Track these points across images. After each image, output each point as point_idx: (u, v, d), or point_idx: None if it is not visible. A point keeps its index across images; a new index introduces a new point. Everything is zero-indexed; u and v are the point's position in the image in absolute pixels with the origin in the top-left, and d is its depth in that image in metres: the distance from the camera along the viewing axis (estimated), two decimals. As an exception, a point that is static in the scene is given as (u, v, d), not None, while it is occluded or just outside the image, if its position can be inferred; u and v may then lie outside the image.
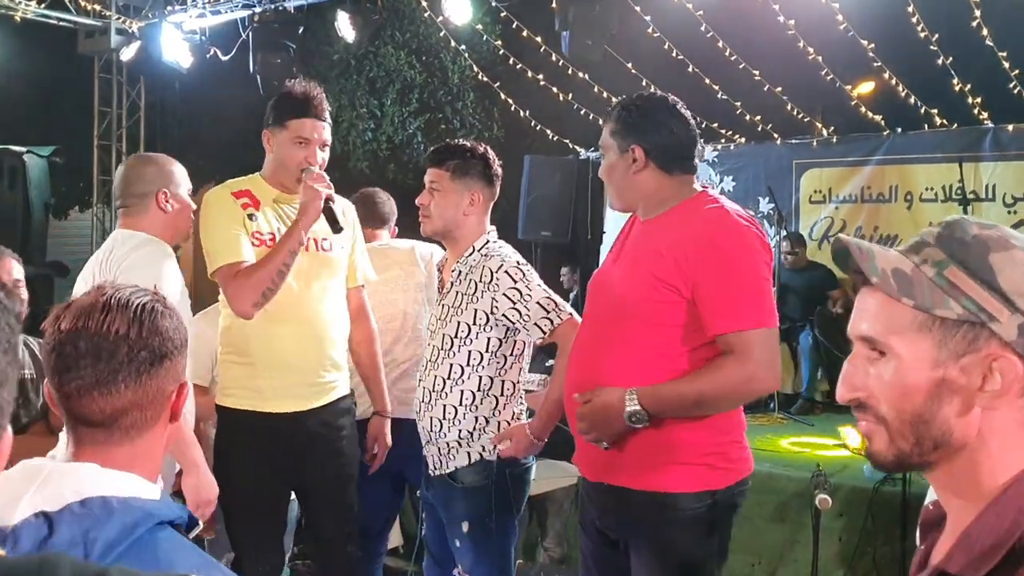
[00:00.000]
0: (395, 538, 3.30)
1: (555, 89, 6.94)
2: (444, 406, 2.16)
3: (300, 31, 7.00)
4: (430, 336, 2.25)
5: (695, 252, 1.72)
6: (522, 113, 7.44)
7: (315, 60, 9.38)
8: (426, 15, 7.38)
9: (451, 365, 2.15)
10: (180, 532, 0.93)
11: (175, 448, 2.00)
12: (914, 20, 5.31)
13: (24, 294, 2.16)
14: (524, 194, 7.06)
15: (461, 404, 2.15)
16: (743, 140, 6.84)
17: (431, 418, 2.19)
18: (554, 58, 6.54)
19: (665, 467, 1.76)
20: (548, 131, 7.50)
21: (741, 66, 6.18)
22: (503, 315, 2.11)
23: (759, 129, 6.73)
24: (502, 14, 6.68)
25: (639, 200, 1.88)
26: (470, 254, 2.19)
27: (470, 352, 2.14)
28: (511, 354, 2.18)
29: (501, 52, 7.40)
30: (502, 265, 2.13)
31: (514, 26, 6.60)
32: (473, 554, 2.14)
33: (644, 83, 6.25)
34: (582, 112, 6.85)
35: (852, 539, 3.29)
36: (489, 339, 2.14)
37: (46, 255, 8.05)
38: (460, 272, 2.19)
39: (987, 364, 0.78)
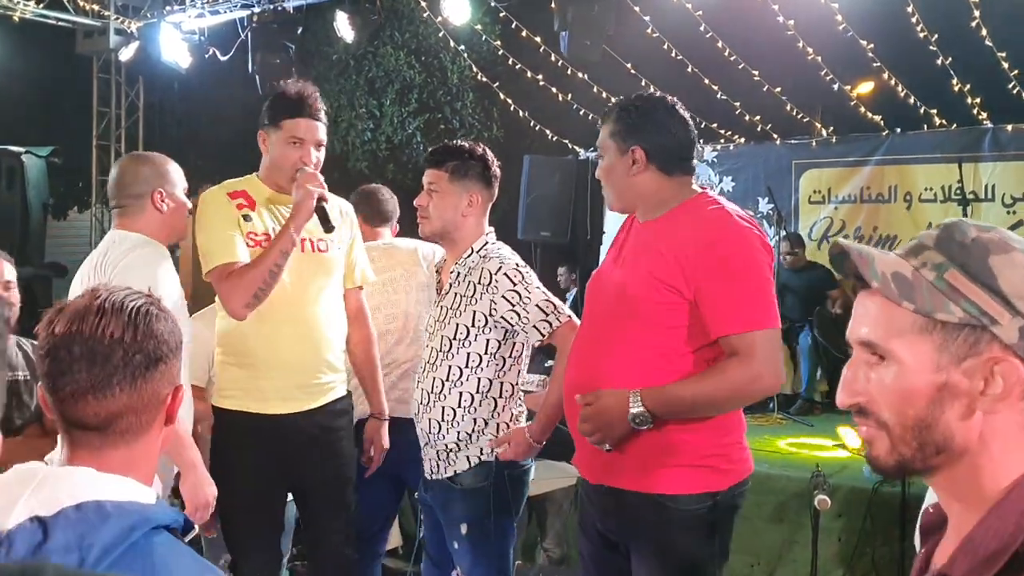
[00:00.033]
0: (394, 539, 3.29)
1: (554, 89, 6.94)
2: (443, 408, 2.16)
3: (299, 31, 7.00)
4: (428, 338, 2.24)
5: (697, 253, 1.72)
6: (521, 113, 7.44)
7: (314, 60, 9.38)
8: (425, 15, 7.37)
9: (450, 367, 2.15)
10: (176, 536, 0.92)
11: (172, 450, 1.99)
12: (914, 20, 5.31)
13: (16, 296, 2.15)
14: (523, 194, 7.06)
15: (460, 406, 2.15)
16: (742, 140, 6.84)
17: (429, 420, 2.18)
18: (553, 58, 6.54)
19: (666, 469, 1.76)
20: (547, 131, 7.50)
21: (740, 66, 6.18)
22: (502, 317, 2.11)
23: (758, 129, 6.73)
24: (501, 14, 6.69)
25: (638, 201, 1.88)
26: (469, 256, 2.19)
27: (469, 354, 2.14)
28: (510, 356, 2.17)
29: (500, 52, 7.40)
30: (501, 267, 2.12)
31: (513, 26, 6.60)
32: (472, 556, 2.14)
33: (643, 83, 6.25)
34: (581, 112, 6.85)
35: (851, 539, 3.29)
36: (488, 341, 2.13)
37: (44, 256, 8.05)
38: (459, 274, 2.19)
39: (988, 368, 0.78)
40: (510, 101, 7.49)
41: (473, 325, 2.13)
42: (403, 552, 3.55)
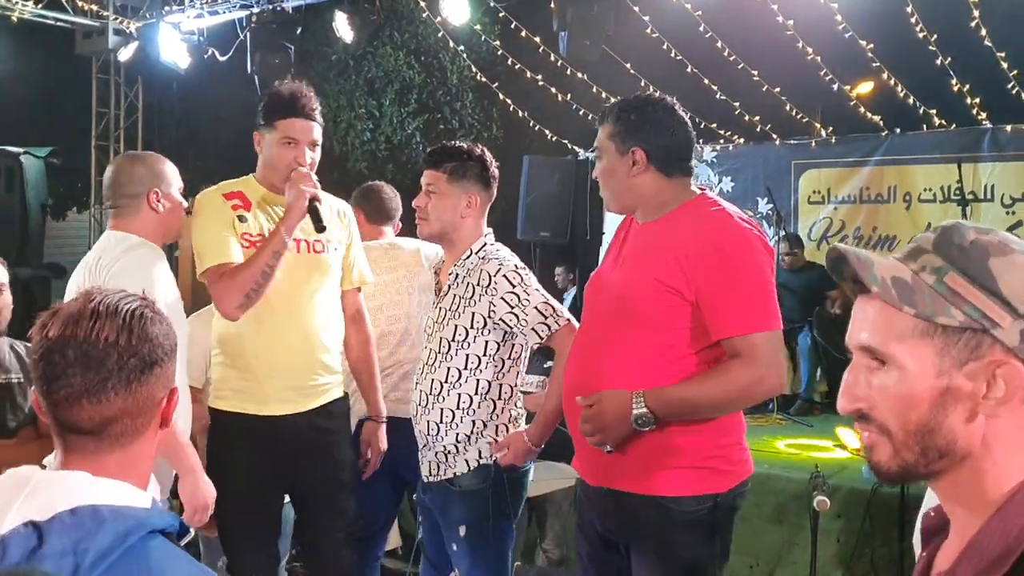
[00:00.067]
0: (394, 539, 3.29)
1: (553, 89, 6.94)
2: (441, 410, 2.15)
3: (298, 31, 7.00)
4: (427, 339, 2.24)
5: (698, 255, 1.71)
6: (521, 113, 7.44)
7: (313, 60, 9.38)
8: (424, 15, 7.37)
9: (448, 368, 2.14)
10: (172, 540, 0.92)
11: (170, 454, 1.99)
12: (913, 20, 5.31)
13: (8, 299, 2.13)
14: (523, 194, 7.06)
15: (459, 408, 2.14)
16: (742, 140, 6.84)
17: (428, 422, 2.18)
18: (552, 58, 6.54)
19: (667, 471, 1.76)
20: (547, 131, 7.50)
21: (740, 66, 6.18)
22: (500, 319, 2.10)
23: (758, 129, 6.73)
24: (500, 14, 6.68)
25: (638, 203, 1.87)
26: (467, 257, 2.18)
27: (468, 356, 2.13)
28: (509, 357, 2.17)
29: (500, 52, 7.40)
30: (500, 269, 2.12)
31: (512, 26, 6.60)
32: (470, 558, 2.13)
33: (642, 83, 6.25)
34: (581, 112, 6.85)
35: (850, 540, 3.29)
36: (487, 342, 2.13)
37: (43, 257, 8.05)
38: (457, 275, 2.18)
39: (990, 371, 0.77)
40: (509, 101, 7.49)
41: (472, 327, 2.12)
42: (402, 553, 3.55)
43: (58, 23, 7.55)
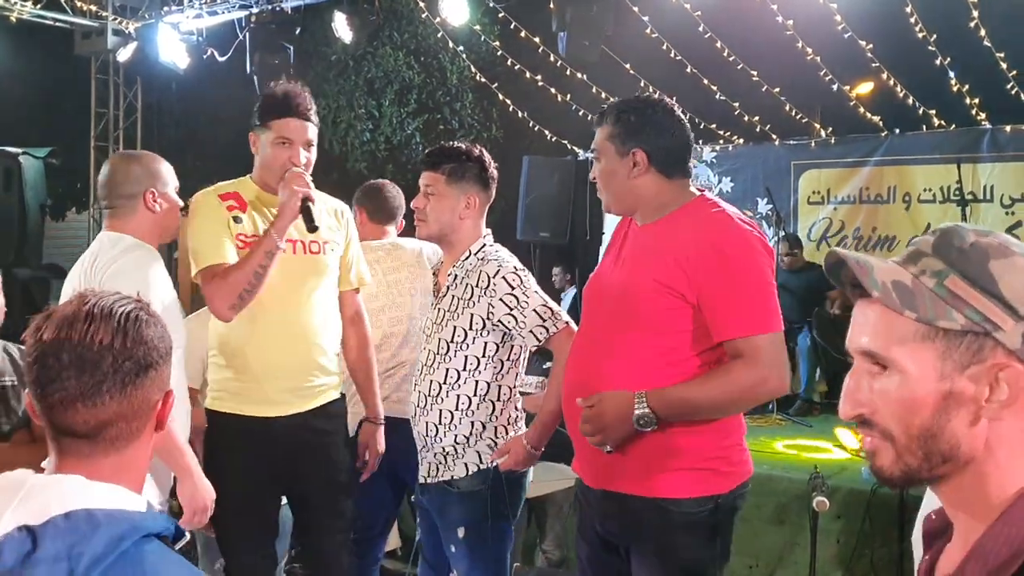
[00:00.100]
0: (393, 540, 3.28)
1: (553, 90, 6.94)
2: (440, 411, 2.15)
3: (297, 32, 6.99)
4: (425, 340, 2.23)
5: (698, 257, 1.71)
6: (520, 113, 7.44)
7: (313, 61, 9.37)
8: (424, 16, 7.37)
9: (447, 370, 2.14)
10: (167, 544, 0.91)
11: (168, 456, 1.98)
12: (912, 20, 5.30)
13: (0, 302, 2.12)
14: (522, 195, 7.06)
15: (457, 409, 2.14)
16: (741, 141, 6.84)
17: (426, 423, 2.17)
18: (552, 59, 6.54)
19: (668, 472, 1.75)
20: (546, 132, 7.50)
21: (739, 66, 6.18)
22: (499, 321, 2.10)
23: (757, 130, 6.73)
24: (500, 15, 6.68)
25: (639, 204, 1.87)
26: (466, 258, 2.18)
27: (466, 357, 2.13)
28: (508, 359, 2.16)
29: (499, 53, 7.40)
30: (499, 270, 2.11)
31: (512, 27, 6.60)
32: (468, 560, 2.13)
33: (642, 84, 6.25)
34: (580, 112, 6.84)
35: (850, 541, 3.28)
36: (486, 344, 2.12)
37: (42, 257, 8.05)
38: (456, 276, 2.18)
39: (993, 374, 0.77)
40: (509, 102, 7.49)
41: (471, 328, 2.12)
42: (402, 553, 3.54)
43: (57, 23, 7.54)
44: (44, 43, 8.54)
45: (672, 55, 6.16)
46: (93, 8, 7.44)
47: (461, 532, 2.12)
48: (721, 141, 6.84)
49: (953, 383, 0.78)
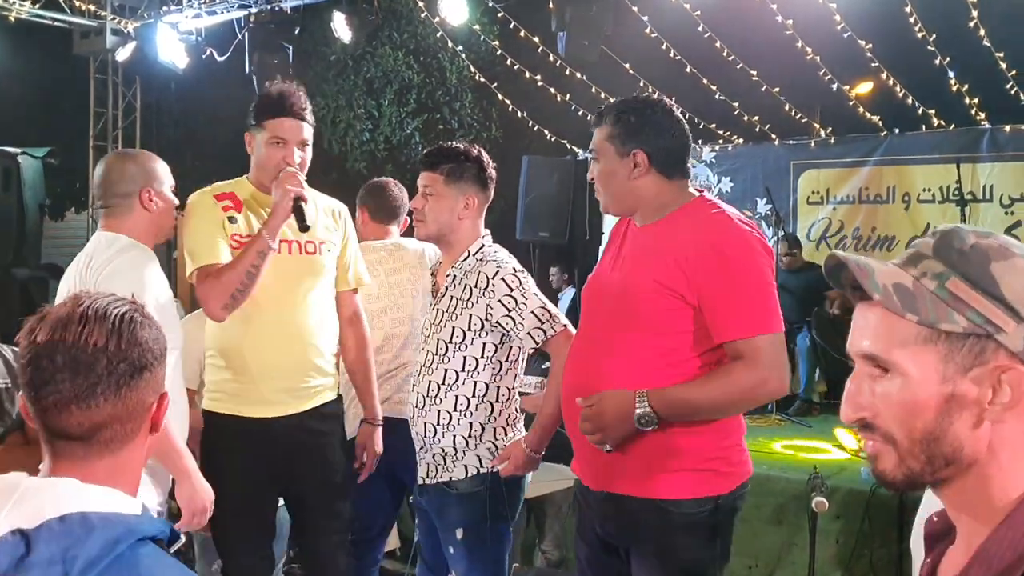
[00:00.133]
0: (392, 541, 3.28)
1: (552, 89, 6.93)
2: (439, 411, 2.14)
3: (296, 32, 6.98)
4: (424, 340, 2.23)
5: (698, 258, 1.71)
6: (520, 113, 7.43)
7: (312, 61, 9.37)
8: (423, 16, 7.37)
9: (446, 371, 2.13)
10: (162, 547, 0.91)
11: (166, 459, 1.97)
12: (912, 20, 5.30)
13: None
14: (522, 195, 7.06)
15: (456, 410, 2.13)
16: (741, 141, 6.83)
17: (425, 423, 2.17)
18: (551, 58, 6.53)
19: (668, 473, 1.75)
20: (546, 131, 7.49)
21: (739, 66, 6.18)
22: (497, 322, 2.09)
23: (757, 130, 6.73)
24: (499, 14, 6.68)
25: (638, 205, 1.86)
26: (465, 259, 2.17)
27: (465, 358, 2.12)
28: (506, 360, 2.16)
29: (498, 52, 7.40)
30: (498, 271, 2.11)
31: (511, 26, 6.59)
32: (467, 561, 2.12)
33: (641, 83, 6.24)
34: (580, 112, 6.84)
35: (849, 541, 3.28)
36: (484, 345, 2.12)
37: (41, 257, 8.04)
38: (455, 277, 2.17)
39: (996, 376, 0.77)
40: (508, 101, 7.49)
41: (469, 329, 2.11)
42: (401, 554, 3.54)
43: (56, 23, 7.53)
44: (43, 43, 8.53)
45: (671, 55, 6.15)
46: (92, 8, 7.43)
47: (460, 533, 2.12)
48: (720, 141, 6.84)
49: (955, 386, 0.77)
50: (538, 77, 6.92)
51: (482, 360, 2.12)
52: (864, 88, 7.02)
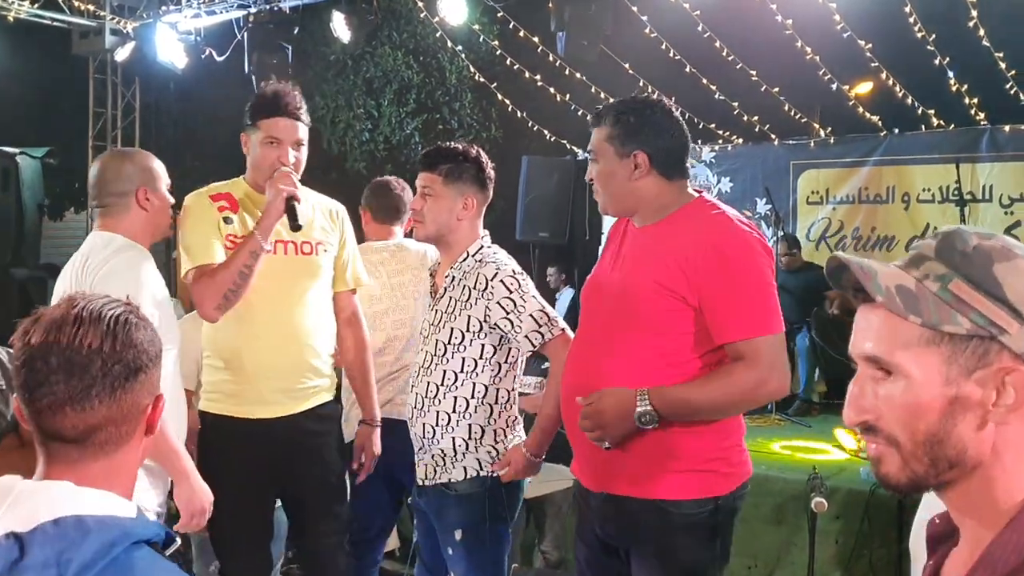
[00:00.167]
0: (392, 541, 3.28)
1: (552, 89, 6.93)
2: (437, 412, 2.14)
3: (296, 31, 6.98)
4: (423, 341, 2.22)
5: (700, 259, 1.71)
6: (519, 113, 7.43)
7: (311, 60, 9.36)
8: (422, 15, 7.36)
9: (444, 372, 2.13)
10: (157, 550, 0.90)
11: (164, 459, 1.97)
12: (911, 20, 5.30)
13: None
14: (522, 195, 7.05)
15: (455, 411, 2.12)
16: (740, 141, 6.83)
17: (424, 424, 2.16)
18: (551, 58, 6.52)
19: (668, 474, 1.75)
20: (545, 131, 7.49)
21: (738, 66, 6.17)
22: (495, 324, 2.09)
23: (756, 130, 6.72)
24: (499, 14, 6.67)
25: (638, 206, 1.86)
26: (464, 259, 2.17)
27: (464, 359, 2.12)
28: (505, 361, 2.15)
29: (498, 52, 7.39)
30: (497, 273, 2.10)
31: (511, 26, 6.59)
32: (466, 562, 2.12)
33: (641, 83, 6.24)
34: (579, 112, 6.84)
35: (848, 542, 3.28)
36: (483, 346, 2.11)
37: (40, 257, 8.04)
38: (454, 277, 2.17)
39: (999, 378, 0.76)
40: (508, 101, 7.48)
41: (468, 330, 2.11)
42: (400, 554, 3.53)
43: (54, 23, 7.52)
44: (42, 43, 8.53)
45: (671, 55, 6.15)
46: (91, 8, 7.42)
47: (459, 535, 2.11)
48: (720, 141, 6.84)
49: (959, 388, 0.77)
50: (538, 77, 6.91)
51: (481, 361, 2.12)
52: (864, 88, 7.02)
